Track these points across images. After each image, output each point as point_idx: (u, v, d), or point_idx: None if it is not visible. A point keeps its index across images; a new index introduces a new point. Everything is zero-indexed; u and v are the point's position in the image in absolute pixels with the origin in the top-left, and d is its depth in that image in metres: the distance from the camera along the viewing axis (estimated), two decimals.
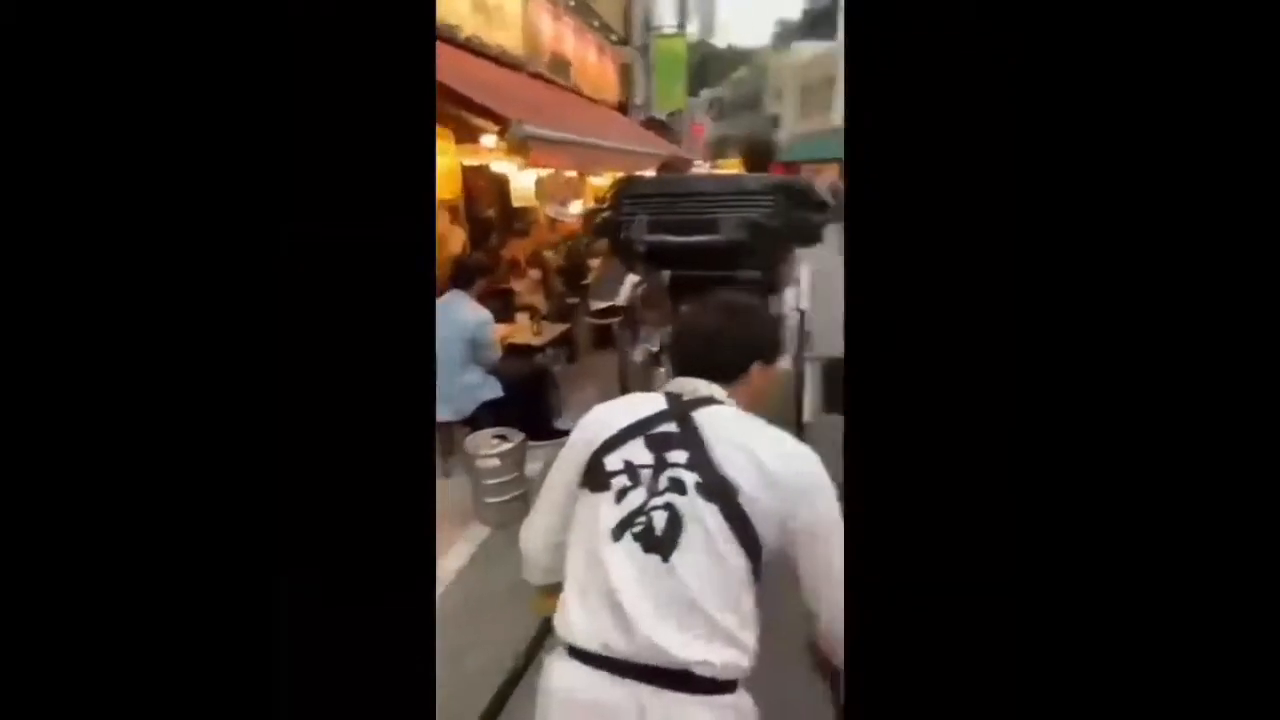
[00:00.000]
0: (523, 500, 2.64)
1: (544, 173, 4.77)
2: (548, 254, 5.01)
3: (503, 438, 2.66)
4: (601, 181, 5.84)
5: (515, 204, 3.82)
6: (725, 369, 0.93)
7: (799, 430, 3.11)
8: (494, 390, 2.98)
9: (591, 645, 0.78)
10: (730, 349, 0.94)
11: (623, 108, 9.88)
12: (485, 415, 2.90)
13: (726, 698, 0.78)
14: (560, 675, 0.81)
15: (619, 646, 0.76)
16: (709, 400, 0.90)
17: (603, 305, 4.67)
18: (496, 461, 2.57)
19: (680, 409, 0.87)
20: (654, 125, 10.75)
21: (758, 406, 0.94)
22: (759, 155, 3.12)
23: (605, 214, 3.00)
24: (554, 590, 0.88)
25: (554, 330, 3.48)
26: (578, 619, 0.80)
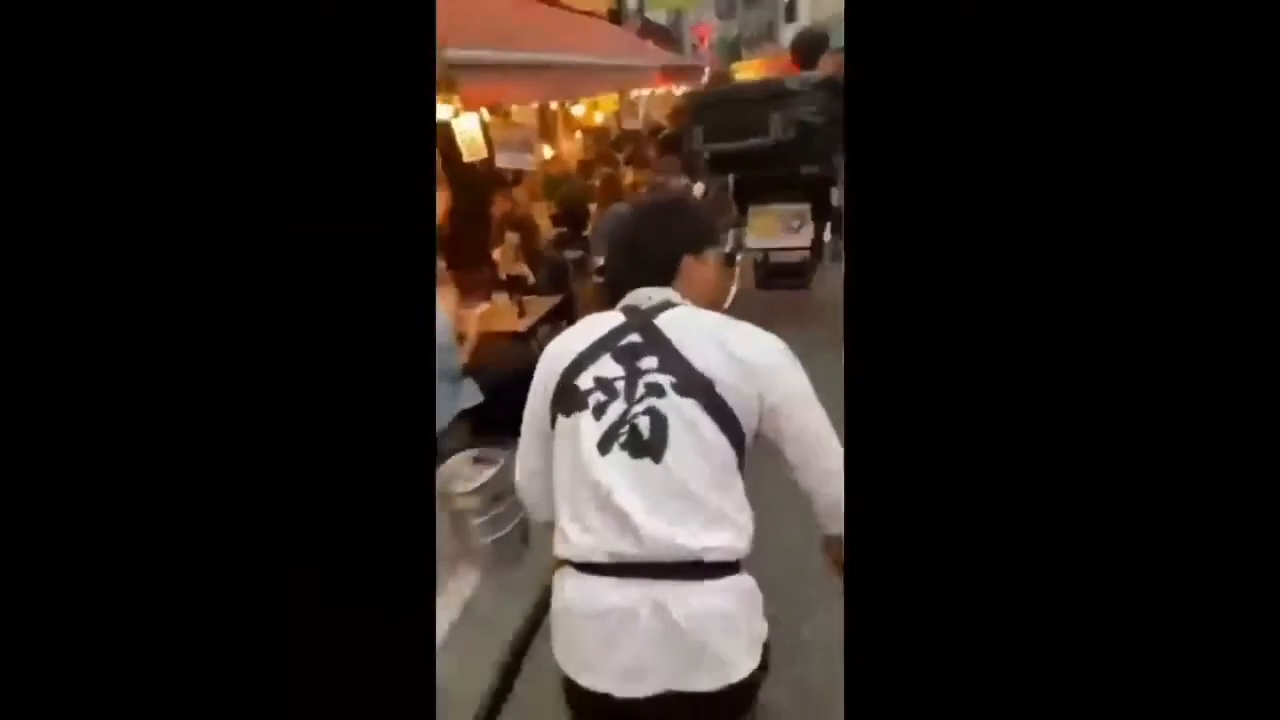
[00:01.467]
0: (522, 529, 2.16)
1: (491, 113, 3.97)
2: (534, 206, 4.32)
3: (482, 460, 2.14)
4: (580, 111, 4.96)
5: (467, 158, 3.06)
6: (653, 270, 0.93)
7: None
8: (472, 396, 2.44)
9: (600, 558, 0.79)
10: (650, 249, 0.94)
11: (614, 16, 8.71)
12: (461, 430, 2.37)
13: (734, 579, 0.82)
14: (573, 589, 0.82)
15: (630, 551, 0.78)
16: (666, 305, 0.90)
17: None
18: (476, 501, 2.06)
19: (640, 319, 0.88)
20: (651, 32, 9.51)
21: (707, 299, 0.96)
22: (810, 50, 3.23)
23: (667, 131, 3.61)
24: None
25: (544, 306, 2.86)
26: (578, 538, 0.81)
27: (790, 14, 22.92)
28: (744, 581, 0.84)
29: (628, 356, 0.85)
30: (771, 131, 2.81)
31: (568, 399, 0.85)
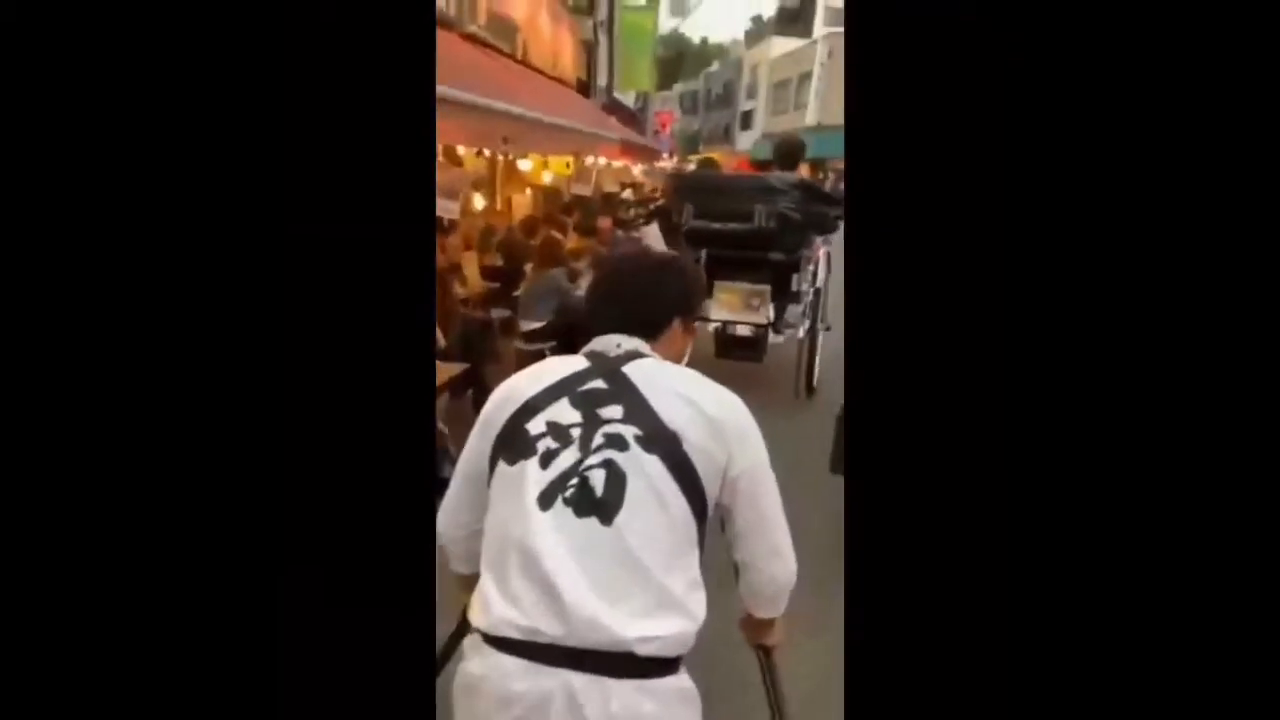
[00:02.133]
0: None
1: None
2: (466, 255, 3.95)
3: None
4: (527, 165, 4.72)
5: None
6: (647, 324, 0.86)
7: (809, 392, 3.56)
8: None
9: (513, 633, 0.68)
10: (653, 304, 0.88)
11: (583, 88, 8.81)
12: None
13: (669, 680, 0.70)
14: (479, 665, 0.70)
15: (550, 631, 0.67)
16: (635, 354, 0.82)
17: (535, 326, 3.65)
18: None
19: (606, 365, 0.79)
20: (615, 109, 9.69)
21: (671, 358, 0.89)
22: (789, 155, 3.60)
23: (658, 203, 3.91)
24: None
25: (444, 374, 2.43)
26: (497, 606, 0.69)
27: (746, 122, 24.71)
28: (680, 683, 0.72)
29: (588, 403, 0.75)
30: (755, 219, 3.22)
31: (513, 444, 0.75)
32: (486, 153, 4.16)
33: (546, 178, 5.67)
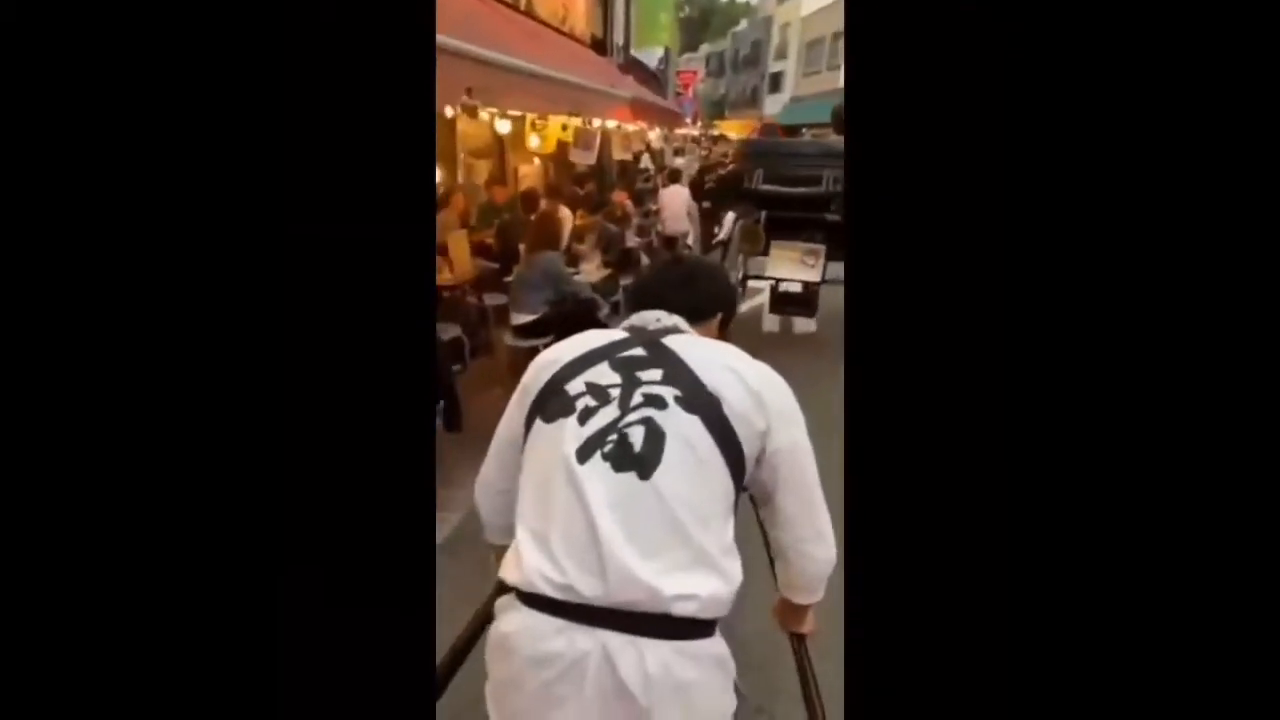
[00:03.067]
0: None
1: None
2: (456, 233, 3.43)
3: None
4: (504, 126, 4.07)
5: None
6: (694, 311, 0.91)
7: None
8: None
9: (549, 590, 0.68)
10: (704, 295, 0.94)
11: (598, 46, 8.09)
12: None
13: (704, 644, 0.71)
14: (510, 622, 0.71)
15: (586, 589, 0.67)
16: (674, 329, 0.85)
17: (528, 319, 3.14)
18: None
19: (646, 336, 0.82)
20: (633, 69, 8.93)
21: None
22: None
23: (730, 168, 4.41)
24: None
25: None
26: (532, 558, 0.69)
27: (775, 85, 23.44)
28: (715, 647, 0.71)
29: (628, 366, 0.76)
30: (824, 184, 3.51)
31: (551, 404, 0.75)
32: (450, 113, 3.54)
33: (533, 142, 4.96)
